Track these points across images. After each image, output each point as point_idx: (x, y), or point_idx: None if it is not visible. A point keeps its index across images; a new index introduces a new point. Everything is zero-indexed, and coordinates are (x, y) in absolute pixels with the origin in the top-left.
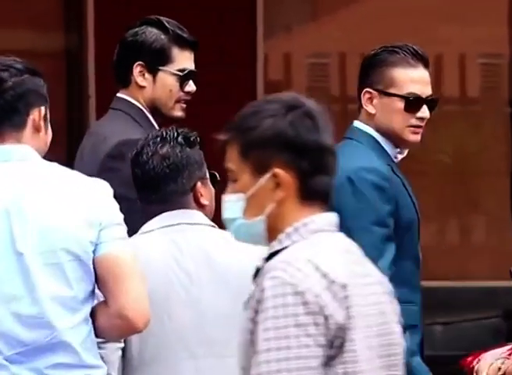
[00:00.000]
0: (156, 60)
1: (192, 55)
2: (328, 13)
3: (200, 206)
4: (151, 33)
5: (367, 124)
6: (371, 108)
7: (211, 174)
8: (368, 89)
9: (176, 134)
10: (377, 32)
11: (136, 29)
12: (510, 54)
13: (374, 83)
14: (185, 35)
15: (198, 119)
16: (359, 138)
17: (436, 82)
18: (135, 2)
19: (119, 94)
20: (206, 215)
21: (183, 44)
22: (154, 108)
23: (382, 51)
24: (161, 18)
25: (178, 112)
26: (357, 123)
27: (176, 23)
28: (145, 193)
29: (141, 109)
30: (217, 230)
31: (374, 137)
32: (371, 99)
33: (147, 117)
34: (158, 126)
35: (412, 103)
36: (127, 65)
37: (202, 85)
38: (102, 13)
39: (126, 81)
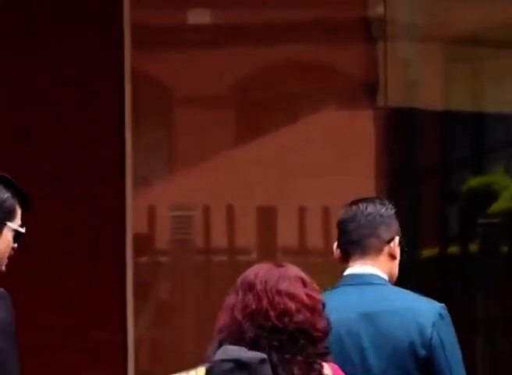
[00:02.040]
0: (5, 215)
1: None
2: (188, 165)
3: None
4: (4, 190)
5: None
6: None
7: None
8: None
9: None
10: (239, 184)
11: None
12: None
13: None
14: (25, 195)
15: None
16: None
17: (300, 233)
18: None
19: None
20: None
21: (23, 203)
22: None
23: None
24: (7, 176)
25: (3, 267)
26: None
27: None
28: None
29: None
30: None
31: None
32: None
33: None
34: None
35: None
36: None
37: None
38: None
39: None
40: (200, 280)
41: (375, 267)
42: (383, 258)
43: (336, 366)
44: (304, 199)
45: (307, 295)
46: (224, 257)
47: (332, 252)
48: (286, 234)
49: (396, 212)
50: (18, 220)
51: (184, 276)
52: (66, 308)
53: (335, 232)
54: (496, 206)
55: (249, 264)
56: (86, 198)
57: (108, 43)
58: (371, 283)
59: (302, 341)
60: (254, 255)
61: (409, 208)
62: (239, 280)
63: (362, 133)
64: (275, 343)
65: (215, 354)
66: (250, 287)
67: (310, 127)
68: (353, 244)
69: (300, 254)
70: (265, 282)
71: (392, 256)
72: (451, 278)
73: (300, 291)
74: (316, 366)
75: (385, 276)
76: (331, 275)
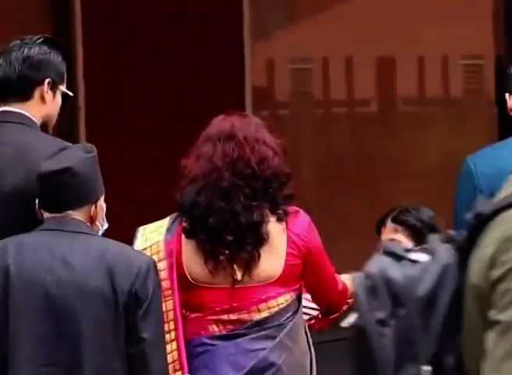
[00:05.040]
0: (58, 79)
1: None
2: (307, 17)
3: None
4: (57, 53)
5: None
6: None
7: None
8: None
9: None
10: (359, 35)
11: (44, 47)
12: (495, 54)
13: None
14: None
15: (189, 124)
16: None
17: (419, 83)
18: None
19: (9, 108)
20: None
21: (67, 66)
22: (44, 125)
23: None
24: (56, 39)
25: (51, 131)
26: None
27: None
28: None
29: (36, 124)
30: None
31: None
32: None
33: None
34: None
35: None
36: (35, 80)
37: (193, 91)
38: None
39: (27, 96)
40: (320, 133)
41: None
42: None
43: (296, 209)
44: (424, 49)
45: (276, 142)
46: (343, 109)
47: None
48: (406, 84)
49: None
50: (65, 84)
51: (303, 129)
52: None
53: (455, 80)
54: None
55: (368, 115)
56: (204, 52)
57: None
58: None
59: (274, 185)
60: (373, 107)
61: None
62: (211, 131)
63: None
64: (247, 190)
65: (186, 201)
66: (229, 136)
67: None
68: None
69: (419, 104)
70: (244, 131)
71: None
72: None
73: (270, 139)
74: (282, 208)
75: None
76: (449, 123)
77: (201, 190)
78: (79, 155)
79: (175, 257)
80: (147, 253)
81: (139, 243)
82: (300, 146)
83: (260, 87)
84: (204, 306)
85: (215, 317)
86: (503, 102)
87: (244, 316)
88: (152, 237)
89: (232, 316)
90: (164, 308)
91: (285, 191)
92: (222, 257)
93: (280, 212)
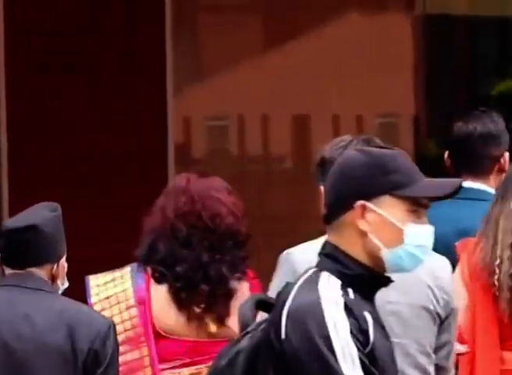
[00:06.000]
0: None
1: None
2: (222, 74)
3: None
4: None
5: None
6: None
7: None
8: None
9: None
10: (274, 92)
11: None
12: (413, 113)
13: None
14: None
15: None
16: None
17: None
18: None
19: None
20: None
21: None
22: None
23: None
24: None
25: None
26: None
27: None
28: None
29: None
30: None
31: None
32: None
33: None
34: None
35: None
36: None
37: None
38: None
39: None
40: (236, 189)
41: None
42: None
43: (252, 272)
44: (338, 106)
45: (233, 203)
46: (259, 166)
47: None
48: (321, 142)
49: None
50: None
51: None
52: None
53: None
54: None
55: (284, 172)
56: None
57: None
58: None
59: (230, 243)
60: (288, 164)
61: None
62: (168, 187)
63: (398, 39)
64: (206, 243)
65: (145, 253)
66: (182, 191)
67: (338, 31)
68: None
69: None
70: (197, 187)
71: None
72: None
73: (227, 199)
74: (240, 268)
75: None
76: None
77: (157, 238)
78: (43, 214)
79: (147, 304)
80: (113, 301)
81: (97, 292)
82: None
83: (179, 144)
84: (164, 358)
85: (175, 371)
86: (419, 163)
87: (202, 371)
88: (115, 285)
89: (191, 371)
90: (139, 355)
91: (242, 252)
92: (197, 309)
93: (241, 272)
